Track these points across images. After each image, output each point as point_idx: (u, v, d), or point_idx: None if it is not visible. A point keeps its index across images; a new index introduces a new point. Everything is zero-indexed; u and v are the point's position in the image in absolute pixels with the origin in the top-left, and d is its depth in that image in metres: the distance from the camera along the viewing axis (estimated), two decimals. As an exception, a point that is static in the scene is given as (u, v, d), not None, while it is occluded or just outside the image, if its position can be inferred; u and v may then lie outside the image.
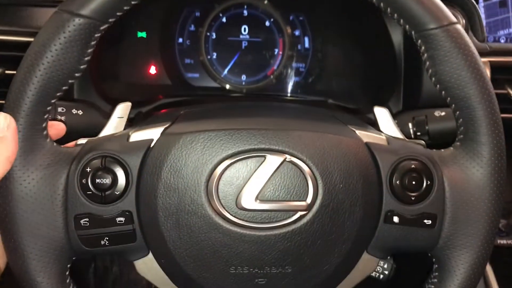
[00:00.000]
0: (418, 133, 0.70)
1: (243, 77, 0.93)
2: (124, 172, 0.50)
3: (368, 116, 0.72)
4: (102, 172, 0.49)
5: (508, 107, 0.77)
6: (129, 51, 0.91)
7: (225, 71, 0.92)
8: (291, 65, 0.92)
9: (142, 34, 0.90)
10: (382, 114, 0.59)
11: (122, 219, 0.50)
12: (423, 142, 0.57)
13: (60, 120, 0.63)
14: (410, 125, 0.70)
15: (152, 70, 0.92)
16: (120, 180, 0.50)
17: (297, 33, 0.92)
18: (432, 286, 0.56)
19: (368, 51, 0.92)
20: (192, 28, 0.91)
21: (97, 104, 0.74)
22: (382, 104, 0.60)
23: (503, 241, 0.76)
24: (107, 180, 0.49)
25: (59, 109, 0.65)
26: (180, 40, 0.91)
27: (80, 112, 0.66)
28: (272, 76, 0.92)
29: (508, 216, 0.76)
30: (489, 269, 0.78)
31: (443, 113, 0.69)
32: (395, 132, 0.58)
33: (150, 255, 0.52)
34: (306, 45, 0.92)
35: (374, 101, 0.61)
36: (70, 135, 0.59)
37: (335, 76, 0.93)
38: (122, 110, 0.56)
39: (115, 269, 1.41)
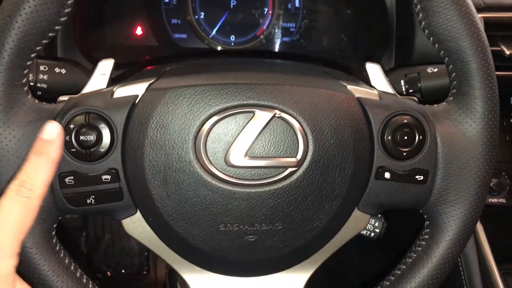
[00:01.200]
0: (410, 91, 0.68)
1: (232, 38, 0.90)
2: (109, 129, 0.48)
3: (360, 74, 0.70)
4: (86, 129, 0.48)
5: (502, 64, 0.75)
6: (114, 10, 0.88)
7: (214, 32, 0.90)
8: (281, 25, 0.90)
9: (127, -7, 0.87)
10: (374, 70, 0.57)
11: (108, 177, 0.49)
12: (415, 98, 0.56)
13: (42, 80, 0.61)
14: (402, 82, 0.69)
15: (138, 30, 0.89)
16: (104, 137, 0.48)
17: (287, -9, 0.89)
18: (423, 243, 0.55)
19: (359, 8, 0.90)
20: (179, -14, 0.88)
21: (80, 62, 0.72)
22: (374, 62, 0.59)
23: (494, 200, 0.76)
24: (91, 137, 0.48)
25: (41, 68, 0.62)
26: (167, -1, 0.89)
27: (63, 71, 0.63)
28: (262, 36, 0.90)
29: (499, 175, 0.76)
30: (479, 228, 0.78)
31: (436, 70, 0.68)
32: (387, 88, 0.56)
33: (138, 213, 0.51)
34: (297, 3, 0.90)
35: (366, 59, 0.59)
36: (52, 95, 0.57)
37: (326, 35, 0.91)
38: (105, 67, 0.54)
39: (107, 237, 1.41)
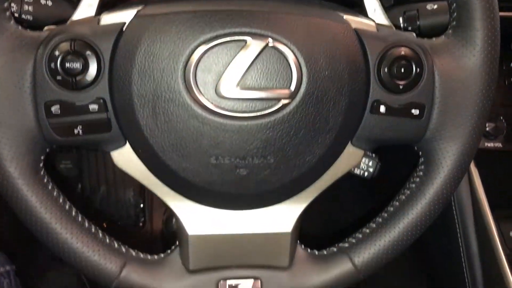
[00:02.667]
0: (409, 28, 0.66)
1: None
2: (96, 57, 0.47)
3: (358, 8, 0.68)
4: (72, 56, 0.46)
5: (503, 5, 0.73)
6: None
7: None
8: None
9: None
10: (371, 4, 0.55)
11: (95, 106, 0.48)
12: (413, 32, 0.54)
13: (28, 11, 0.58)
14: (400, 19, 0.66)
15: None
16: (91, 65, 0.47)
17: None
18: (417, 180, 0.55)
19: None
20: None
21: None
22: None
23: (491, 144, 0.76)
24: (78, 65, 0.46)
25: (26, -2, 0.60)
26: None
27: (49, 3, 0.61)
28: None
29: (497, 119, 0.75)
30: (474, 172, 0.78)
31: (435, 7, 0.65)
32: (385, 21, 0.55)
33: (127, 145, 0.50)
34: None
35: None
36: (38, 28, 0.55)
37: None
38: None
39: (103, 189, 1.41)
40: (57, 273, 1.10)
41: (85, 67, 0.47)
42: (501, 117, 0.75)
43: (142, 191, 1.39)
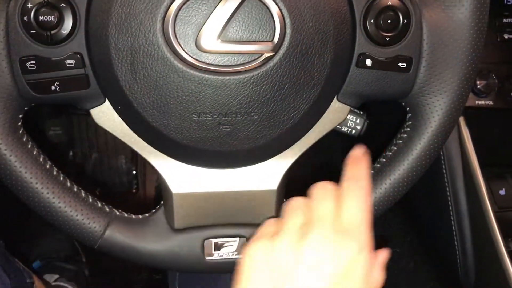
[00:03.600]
0: None
1: None
2: (71, 9, 0.45)
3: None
4: (46, 9, 0.44)
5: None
6: None
7: None
8: None
9: None
10: None
11: (72, 61, 0.46)
12: None
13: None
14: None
15: None
16: (66, 18, 0.45)
17: None
18: (405, 135, 0.54)
19: None
20: None
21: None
22: None
23: (482, 102, 0.74)
24: (52, 18, 0.45)
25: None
26: None
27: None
28: None
29: (488, 76, 0.74)
30: (465, 131, 0.77)
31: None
32: None
33: (107, 102, 0.49)
34: None
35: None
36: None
37: None
38: None
39: (95, 156, 1.40)
40: (49, 239, 1.11)
41: (60, 20, 0.45)
42: (493, 74, 0.74)
43: (135, 157, 1.38)
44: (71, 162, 1.37)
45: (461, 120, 0.77)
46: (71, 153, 1.38)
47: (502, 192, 0.78)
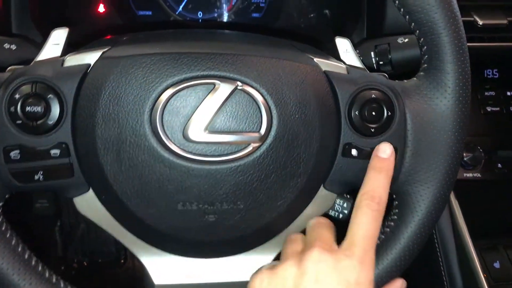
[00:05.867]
0: (381, 63, 0.66)
1: (199, 14, 0.87)
2: (58, 100, 0.45)
3: (331, 49, 0.68)
4: (33, 99, 0.45)
5: (474, 35, 0.73)
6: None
7: (180, 8, 0.86)
8: (251, 0, 0.87)
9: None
10: (343, 45, 0.55)
11: (57, 151, 0.46)
12: (385, 74, 0.54)
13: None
14: (372, 54, 0.66)
15: (101, 8, 0.85)
16: (53, 109, 0.45)
17: (256, -36, 0.86)
18: (392, 223, 0.53)
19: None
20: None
21: (36, 40, 0.68)
22: (346, 36, 0.56)
23: (469, 175, 0.75)
24: (39, 108, 0.45)
25: (-12, 44, 0.59)
26: (130, -27, 0.85)
27: (13, 47, 0.60)
28: (230, 12, 0.87)
29: (474, 149, 0.74)
30: (455, 204, 0.77)
31: (406, 40, 0.65)
32: (356, 63, 0.54)
33: (91, 191, 0.49)
34: (266, -22, 0.87)
35: (337, 33, 0.57)
36: (1, 70, 0.54)
37: (296, 10, 0.88)
38: (58, 36, 0.50)
39: (82, 226, 1.37)
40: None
41: (47, 110, 0.45)
42: (479, 147, 0.75)
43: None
44: (58, 232, 1.34)
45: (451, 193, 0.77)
46: (58, 223, 1.36)
47: (497, 265, 0.77)
